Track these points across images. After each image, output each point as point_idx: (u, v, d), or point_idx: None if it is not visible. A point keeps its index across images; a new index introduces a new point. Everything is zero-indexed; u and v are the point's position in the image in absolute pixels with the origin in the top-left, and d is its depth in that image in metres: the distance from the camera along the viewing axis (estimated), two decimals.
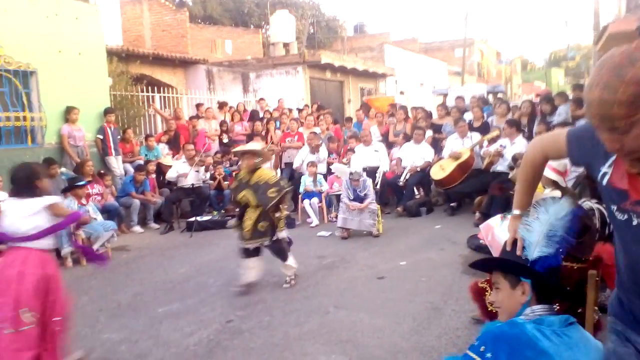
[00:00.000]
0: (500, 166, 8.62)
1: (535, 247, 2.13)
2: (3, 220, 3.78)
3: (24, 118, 8.81)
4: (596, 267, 3.04)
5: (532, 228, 2.18)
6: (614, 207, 1.70)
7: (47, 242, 3.85)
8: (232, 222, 5.80)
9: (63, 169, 8.81)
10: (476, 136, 9.41)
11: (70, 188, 7.59)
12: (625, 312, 1.80)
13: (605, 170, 1.71)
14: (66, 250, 7.27)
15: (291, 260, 5.80)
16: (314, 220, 9.16)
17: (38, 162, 4.71)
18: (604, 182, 1.72)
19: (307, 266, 6.55)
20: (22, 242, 3.73)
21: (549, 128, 8.39)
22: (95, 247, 7.48)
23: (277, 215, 5.68)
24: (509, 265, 2.13)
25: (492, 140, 9.01)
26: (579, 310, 2.89)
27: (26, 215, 3.73)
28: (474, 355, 1.94)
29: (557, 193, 5.01)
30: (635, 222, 1.63)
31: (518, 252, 2.14)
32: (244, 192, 5.58)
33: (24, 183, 3.83)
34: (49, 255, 3.90)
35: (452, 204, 9.38)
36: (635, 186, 1.62)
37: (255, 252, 5.70)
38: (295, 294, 5.50)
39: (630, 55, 1.40)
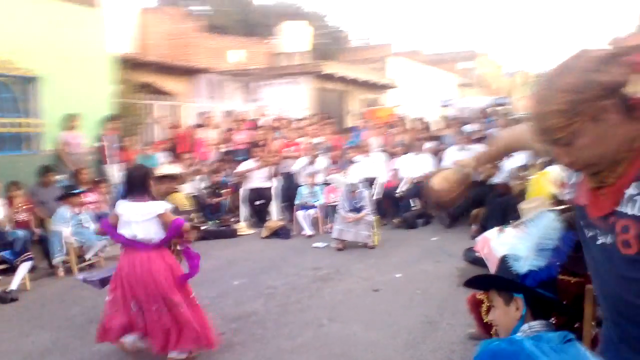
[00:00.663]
0: (497, 178, 8.56)
1: (525, 260, 2.10)
2: (120, 223, 4.05)
3: (22, 124, 8.77)
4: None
5: (521, 242, 2.15)
6: (582, 223, 1.61)
7: (160, 239, 4.10)
8: None
9: (60, 176, 8.76)
10: (476, 148, 9.36)
11: (65, 196, 7.55)
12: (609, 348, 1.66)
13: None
14: (58, 259, 7.20)
15: None
16: (307, 231, 9.09)
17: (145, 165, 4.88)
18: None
19: (302, 278, 6.50)
20: (140, 244, 4.02)
21: None
22: (87, 256, 7.43)
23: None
24: (497, 281, 2.10)
25: None
26: (577, 325, 2.85)
27: (141, 221, 3.99)
28: None
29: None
30: (599, 241, 1.52)
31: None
32: None
33: (139, 183, 4.07)
34: (164, 248, 4.18)
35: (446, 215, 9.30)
36: (594, 202, 1.53)
37: None
38: (289, 307, 5.44)
39: (566, 65, 1.36)
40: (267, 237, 9.05)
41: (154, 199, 4.11)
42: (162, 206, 4.09)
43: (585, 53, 1.36)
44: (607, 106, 1.32)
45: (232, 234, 9.40)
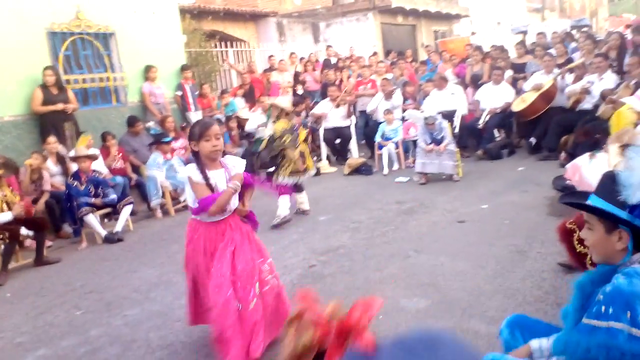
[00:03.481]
0: (587, 104, 8.15)
1: (638, 189, 1.85)
2: None
3: (107, 79, 9.17)
4: None
5: (636, 165, 1.88)
6: None
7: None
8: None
9: (151, 123, 9.20)
10: (558, 72, 8.93)
11: (156, 143, 7.95)
12: None
13: None
14: (155, 202, 7.68)
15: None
16: (385, 169, 9.06)
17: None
18: None
19: (386, 212, 6.56)
20: None
21: None
22: (182, 198, 7.85)
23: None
24: (603, 212, 1.89)
25: (578, 78, 8.52)
26: None
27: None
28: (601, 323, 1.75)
29: None
30: None
31: None
32: None
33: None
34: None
35: (530, 140, 9.00)
36: None
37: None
38: (375, 239, 5.54)
39: None
40: (349, 174, 9.14)
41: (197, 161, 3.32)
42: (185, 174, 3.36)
43: None
44: None
45: (315, 172, 9.54)
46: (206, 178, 3.27)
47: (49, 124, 7.79)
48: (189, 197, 3.46)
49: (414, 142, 8.85)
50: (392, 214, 6.46)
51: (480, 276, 4.34)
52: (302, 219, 6.58)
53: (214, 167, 3.32)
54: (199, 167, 3.28)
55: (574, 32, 14.36)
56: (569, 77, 8.79)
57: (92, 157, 6.97)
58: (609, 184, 1.93)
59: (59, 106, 7.80)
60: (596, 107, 7.79)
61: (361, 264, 4.89)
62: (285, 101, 6.80)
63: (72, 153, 7.27)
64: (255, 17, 15.87)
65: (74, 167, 7.12)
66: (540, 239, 5.01)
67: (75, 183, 6.67)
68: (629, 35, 10.42)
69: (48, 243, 6.47)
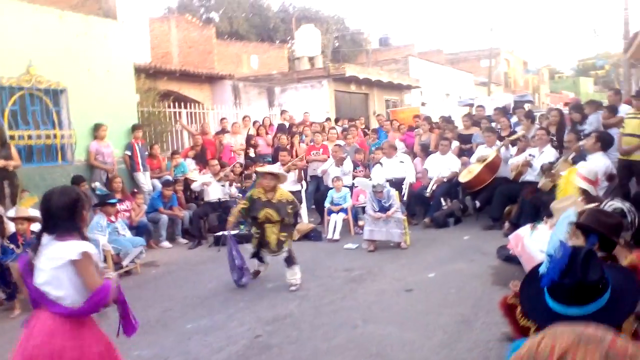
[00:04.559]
0: (529, 176, 8.48)
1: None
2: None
3: (55, 136, 8.97)
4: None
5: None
6: None
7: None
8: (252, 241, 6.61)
9: (97, 184, 8.97)
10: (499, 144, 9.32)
11: (101, 204, 7.73)
12: None
13: None
14: None
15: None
16: (330, 235, 9.02)
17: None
18: None
19: (334, 279, 6.52)
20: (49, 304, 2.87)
21: (579, 137, 8.22)
22: (124, 263, 7.58)
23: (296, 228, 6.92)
24: None
25: (520, 150, 8.89)
26: None
27: (48, 269, 2.77)
28: None
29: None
30: None
31: None
32: (266, 210, 6.20)
33: (64, 214, 2.79)
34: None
35: (476, 202, 9.25)
36: None
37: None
38: (323, 308, 5.47)
39: None
40: (298, 240, 9.05)
41: (83, 237, 2.75)
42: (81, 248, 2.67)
43: None
44: None
45: None
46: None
47: None
48: (65, 290, 2.64)
49: (363, 208, 8.92)
50: (340, 281, 6.42)
51: (428, 347, 4.33)
52: (250, 285, 6.44)
53: None
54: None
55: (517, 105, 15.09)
56: (513, 149, 9.16)
57: (33, 220, 6.67)
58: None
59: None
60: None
61: (309, 333, 4.80)
62: (276, 168, 7.16)
63: (11, 213, 6.97)
64: (211, 79, 16.05)
65: (12, 227, 6.80)
66: (485, 308, 5.05)
67: (12, 246, 6.34)
68: (567, 112, 11.00)
69: None
